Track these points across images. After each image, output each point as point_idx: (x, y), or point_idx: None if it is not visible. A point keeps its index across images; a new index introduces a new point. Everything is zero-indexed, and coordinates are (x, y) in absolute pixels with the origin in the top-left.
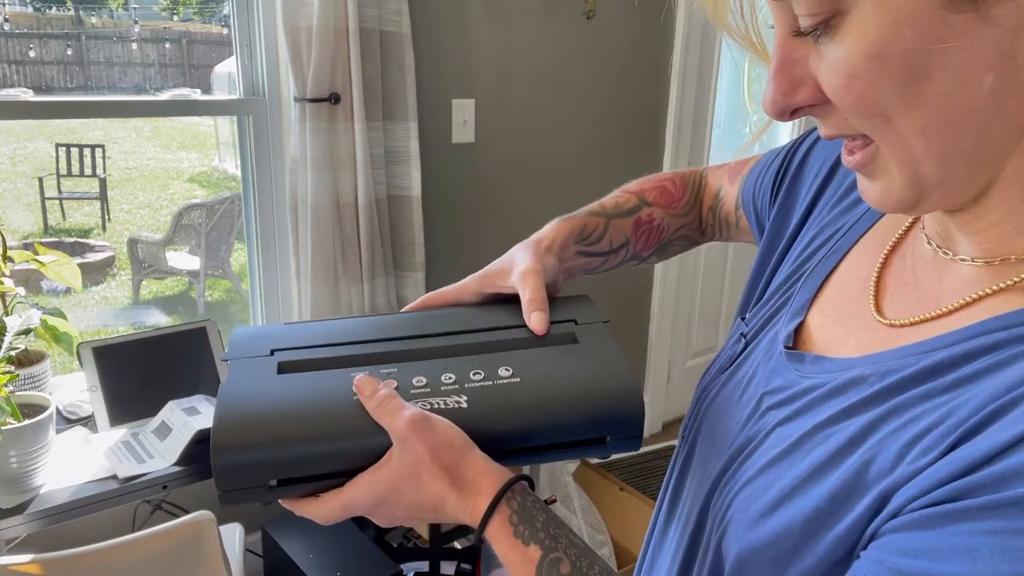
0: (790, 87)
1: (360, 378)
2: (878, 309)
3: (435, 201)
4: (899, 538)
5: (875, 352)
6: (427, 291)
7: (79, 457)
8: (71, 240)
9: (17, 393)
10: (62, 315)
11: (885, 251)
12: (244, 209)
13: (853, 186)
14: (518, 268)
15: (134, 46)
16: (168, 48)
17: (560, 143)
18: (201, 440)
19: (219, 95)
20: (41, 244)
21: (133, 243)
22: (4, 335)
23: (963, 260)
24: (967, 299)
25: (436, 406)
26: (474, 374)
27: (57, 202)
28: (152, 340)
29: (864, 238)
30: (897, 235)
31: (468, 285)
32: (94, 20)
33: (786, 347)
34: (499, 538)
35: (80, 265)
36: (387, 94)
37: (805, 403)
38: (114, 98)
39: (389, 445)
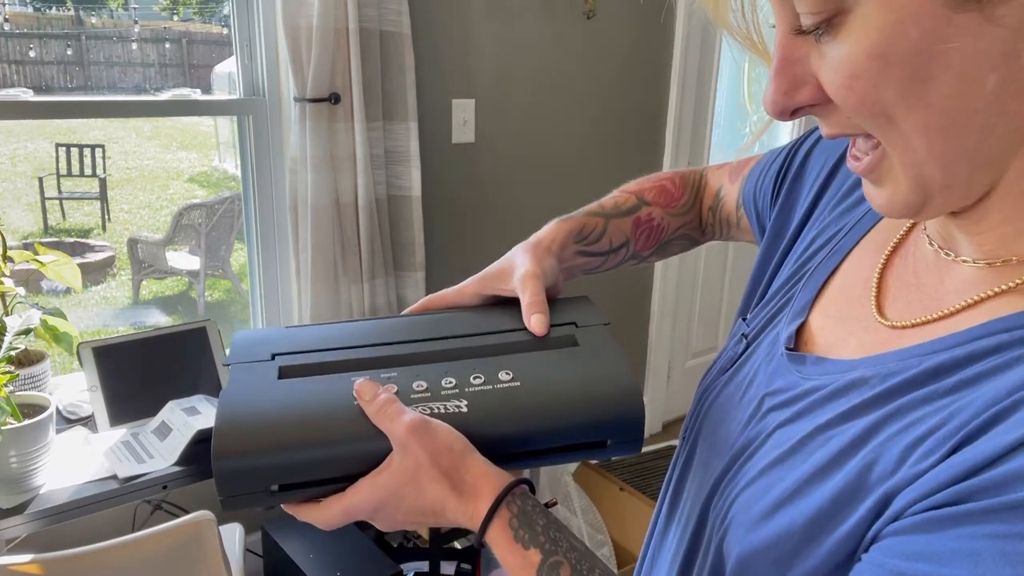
0: (791, 86)
1: (360, 383)
2: (879, 310)
3: (435, 201)
4: (901, 541)
5: (877, 354)
6: (427, 291)
7: (79, 457)
8: (71, 240)
9: (17, 393)
10: (62, 315)
11: (886, 252)
12: (244, 209)
13: (854, 186)
14: (518, 272)
15: (134, 46)
16: (168, 48)
17: (560, 143)
18: (201, 440)
19: (219, 95)
20: (41, 244)
21: (133, 243)
22: (4, 335)
23: (965, 261)
24: (969, 301)
25: (436, 410)
26: (474, 378)
27: (57, 202)
28: (152, 340)
29: (865, 238)
30: (898, 236)
31: (468, 288)
32: (94, 20)
33: (787, 348)
34: (499, 542)
35: (80, 265)
36: (387, 94)
37: (806, 405)
38: (114, 98)
39: (389, 450)
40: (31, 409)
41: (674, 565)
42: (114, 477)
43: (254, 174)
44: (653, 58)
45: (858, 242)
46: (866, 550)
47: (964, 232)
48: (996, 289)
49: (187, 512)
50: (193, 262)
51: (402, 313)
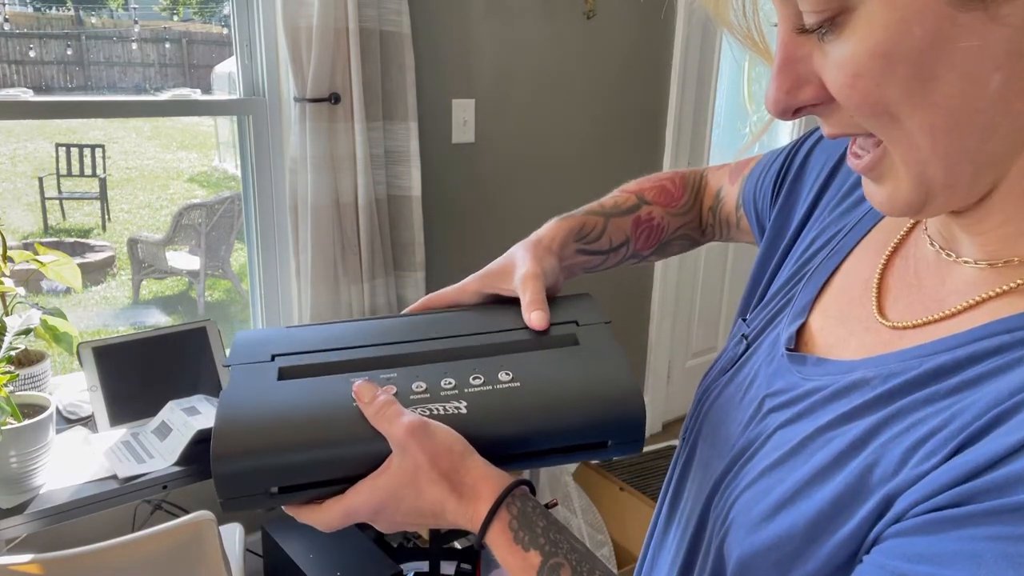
0: (793, 85)
1: (359, 384)
2: (880, 311)
3: (435, 201)
4: (902, 543)
5: (878, 354)
6: (427, 291)
7: (79, 457)
8: (71, 240)
9: (17, 393)
10: (62, 315)
11: (887, 252)
12: (244, 209)
13: (855, 186)
14: (519, 271)
15: (134, 46)
16: (168, 48)
17: (560, 143)
18: (201, 440)
19: (219, 95)
20: (41, 244)
21: (133, 243)
22: (4, 335)
23: (966, 262)
24: (970, 301)
25: (435, 412)
26: (474, 379)
27: (57, 202)
28: (152, 340)
29: (866, 239)
30: (899, 236)
31: (468, 286)
32: (94, 20)
33: (788, 349)
34: (499, 544)
35: (80, 265)
36: (387, 94)
37: (807, 406)
38: (114, 98)
39: (389, 452)
40: (31, 409)
41: (674, 566)
42: (114, 477)
43: (254, 174)
44: (653, 58)
45: (859, 242)
46: (867, 552)
47: (966, 232)
48: (997, 290)
49: (187, 512)
50: (193, 262)
51: (403, 312)
